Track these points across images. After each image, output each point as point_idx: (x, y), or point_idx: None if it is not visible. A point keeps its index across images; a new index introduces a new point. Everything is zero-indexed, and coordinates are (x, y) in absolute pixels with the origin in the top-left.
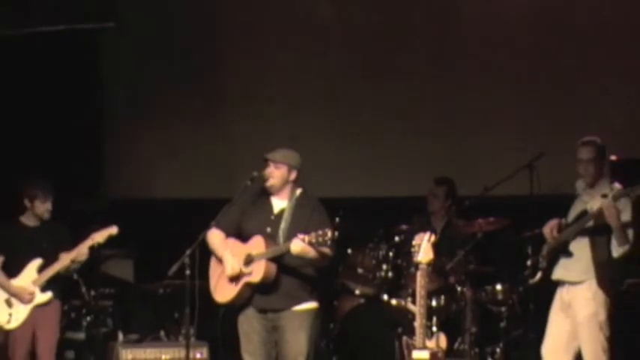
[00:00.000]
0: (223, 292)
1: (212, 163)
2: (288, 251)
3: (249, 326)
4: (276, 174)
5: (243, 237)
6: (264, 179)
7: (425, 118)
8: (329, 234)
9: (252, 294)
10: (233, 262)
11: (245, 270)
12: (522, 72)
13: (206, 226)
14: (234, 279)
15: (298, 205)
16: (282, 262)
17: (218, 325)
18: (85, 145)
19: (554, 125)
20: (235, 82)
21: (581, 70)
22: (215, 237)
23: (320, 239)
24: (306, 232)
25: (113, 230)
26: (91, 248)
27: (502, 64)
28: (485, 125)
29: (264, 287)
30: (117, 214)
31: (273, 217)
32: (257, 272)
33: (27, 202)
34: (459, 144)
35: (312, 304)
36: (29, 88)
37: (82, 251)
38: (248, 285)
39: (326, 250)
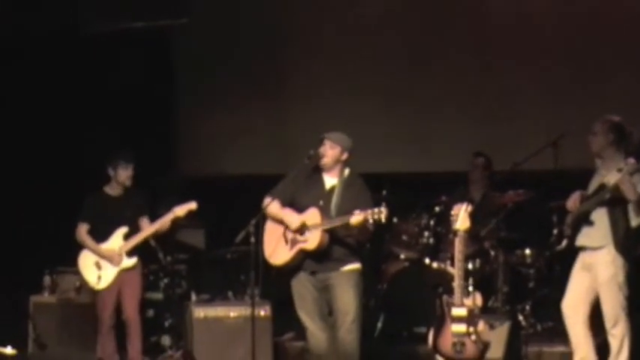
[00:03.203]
0: (279, 255)
1: (274, 142)
2: (347, 224)
3: (303, 287)
4: (330, 153)
5: (296, 208)
6: (319, 157)
7: (462, 103)
8: (384, 212)
9: (304, 260)
10: (294, 218)
11: (300, 237)
12: (549, 62)
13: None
14: (292, 243)
15: (347, 184)
16: (332, 232)
17: (273, 286)
18: (162, 127)
19: (576, 107)
20: (295, 73)
21: (603, 57)
22: (274, 206)
23: (376, 216)
24: (362, 208)
25: (193, 206)
26: (173, 221)
27: (532, 55)
28: (516, 108)
29: (315, 254)
30: (190, 188)
31: (325, 193)
32: (313, 240)
33: (111, 171)
34: (493, 125)
35: (356, 265)
36: (115, 77)
37: (165, 223)
38: (302, 251)
39: (371, 227)
